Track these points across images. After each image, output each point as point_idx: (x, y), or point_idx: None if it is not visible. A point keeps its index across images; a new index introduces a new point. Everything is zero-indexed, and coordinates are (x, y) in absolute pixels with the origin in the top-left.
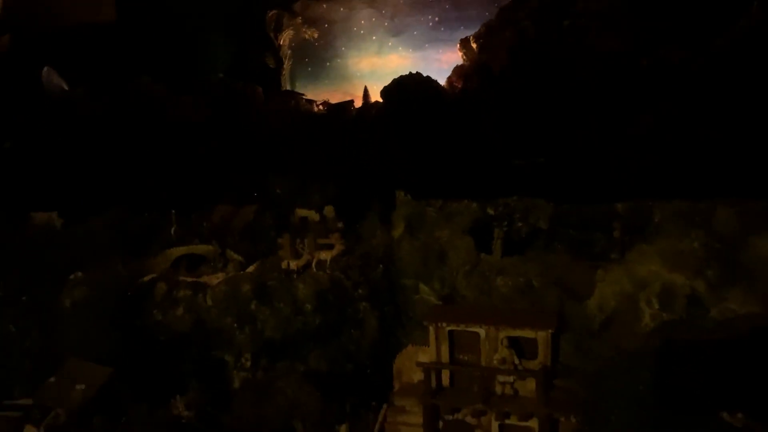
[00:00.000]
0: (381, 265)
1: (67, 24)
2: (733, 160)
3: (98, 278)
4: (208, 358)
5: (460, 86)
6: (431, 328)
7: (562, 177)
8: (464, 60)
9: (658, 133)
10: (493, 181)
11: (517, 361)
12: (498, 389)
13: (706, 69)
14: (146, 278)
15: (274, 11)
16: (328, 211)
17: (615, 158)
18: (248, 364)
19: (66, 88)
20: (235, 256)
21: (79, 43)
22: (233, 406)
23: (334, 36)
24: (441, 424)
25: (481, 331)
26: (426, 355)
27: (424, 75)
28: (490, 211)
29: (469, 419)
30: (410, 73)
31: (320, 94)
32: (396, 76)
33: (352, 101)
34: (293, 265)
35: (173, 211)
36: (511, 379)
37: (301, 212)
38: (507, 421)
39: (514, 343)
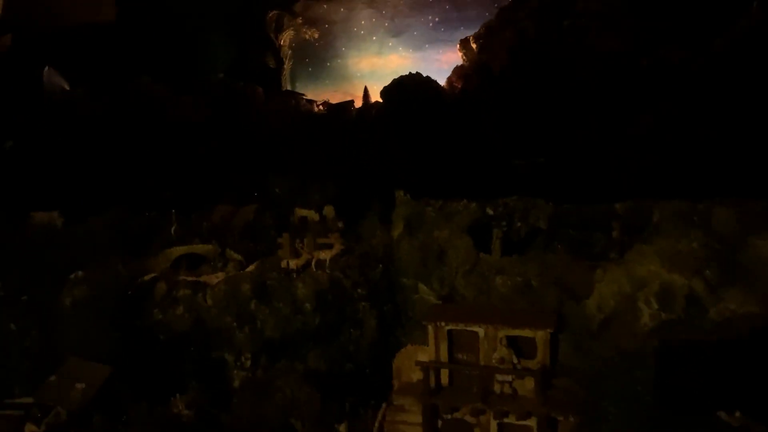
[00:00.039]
0: (380, 265)
1: (68, 24)
2: (733, 160)
3: (98, 278)
4: (207, 357)
5: (460, 86)
6: (430, 328)
7: (562, 177)
8: (464, 60)
9: (658, 133)
10: (493, 181)
11: (515, 361)
12: (497, 388)
13: (706, 69)
14: (146, 278)
15: (274, 12)
16: (328, 210)
17: (615, 158)
18: (248, 363)
19: (67, 88)
20: (235, 255)
21: (80, 43)
22: (233, 406)
23: (334, 36)
24: (440, 423)
25: (480, 331)
26: (425, 355)
27: (424, 75)
28: (490, 211)
29: (468, 418)
30: (410, 73)
31: (320, 94)
32: (396, 77)
33: (352, 101)
34: (293, 264)
35: (173, 211)
36: (509, 378)
37: (301, 212)
38: (505, 420)
39: (513, 342)
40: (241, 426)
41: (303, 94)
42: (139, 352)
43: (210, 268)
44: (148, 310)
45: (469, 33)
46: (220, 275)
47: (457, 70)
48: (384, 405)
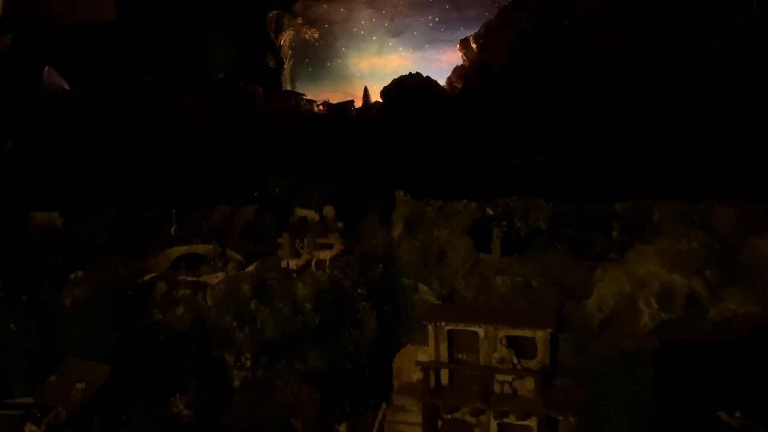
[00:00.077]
0: (380, 265)
1: (68, 24)
2: (733, 161)
3: (98, 278)
4: (207, 357)
5: (460, 86)
6: (430, 328)
7: (562, 177)
8: (464, 60)
9: (658, 133)
10: (493, 181)
11: (515, 361)
12: (497, 388)
13: (706, 69)
14: (146, 278)
15: (274, 12)
16: (328, 210)
17: (615, 158)
18: (248, 363)
19: (67, 88)
20: (235, 255)
21: (80, 43)
22: (233, 406)
23: (334, 36)
24: (440, 423)
25: (480, 331)
26: (425, 355)
27: (425, 75)
28: (490, 211)
29: (468, 418)
30: (410, 73)
31: (320, 94)
32: (396, 77)
33: (352, 101)
34: (293, 264)
35: (173, 211)
36: (509, 378)
37: (301, 212)
38: (505, 420)
39: (513, 342)
40: (241, 426)
41: (303, 94)
42: (139, 352)
43: (210, 268)
44: (148, 310)
45: (469, 33)
46: (220, 275)
47: (457, 70)
48: (384, 405)
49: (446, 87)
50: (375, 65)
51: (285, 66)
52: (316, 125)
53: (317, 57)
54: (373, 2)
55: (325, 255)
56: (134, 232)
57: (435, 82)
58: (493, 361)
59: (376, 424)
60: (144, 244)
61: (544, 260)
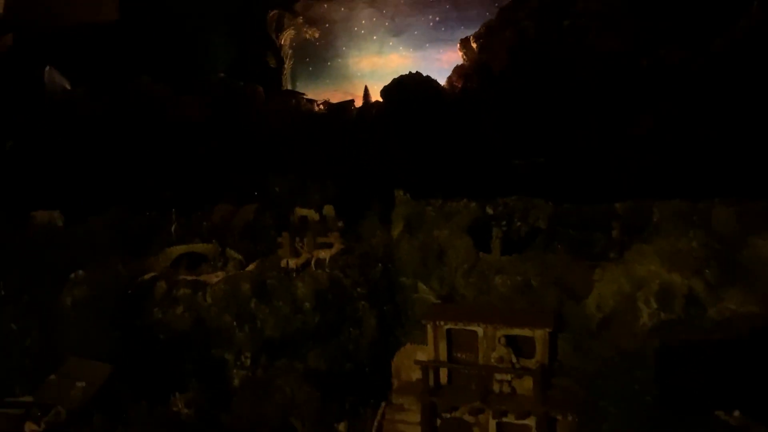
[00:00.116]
0: (380, 264)
1: (69, 24)
2: (733, 161)
3: (98, 277)
4: (207, 356)
5: (460, 86)
6: (429, 327)
7: (562, 177)
8: (464, 60)
9: (658, 133)
10: (493, 181)
11: (514, 360)
12: (496, 387)
13: (706, 69)
14: (146, 277)
15: (275, 11)
16: (328, 210)
17: (615, 158)
18: (248, 362)
19: (68, 87)
20: (235, 254)
21: (81, 43)
22: (233, 405)
23: (334, 36)
24: (439, 422)
25: (479, 330)
26: (424, 354)
27: (425, 75)
28: (490, 211)
29: (467, 417)
30: (410, 72)
31: (321, 93)
32: (397, 76)
33: (352, 101)
34: (292, 264)
35: (173, 210)
36: (508, 377)
37: (301, 211)
38: (504, 420)
39: (512, 341)
40: (240, 425)
41: (303, 94)
42: (139, 352)
43: (210, 267)
44: (148, 309)
45: (470, 32)
46: (220, 274)
47: (458, 70)
48: (383, 404)
49: (446, 86)
50: (375, 65)
51: (285, 65)
52: (316, 125)
53: (318, 56)
54: (373, 2)
55: (325, 254)
56: (134, 231)
57: (435, 81)
58: (492, 360)
59: (376, 423)
60: (144, 244)
61: (543, 260)
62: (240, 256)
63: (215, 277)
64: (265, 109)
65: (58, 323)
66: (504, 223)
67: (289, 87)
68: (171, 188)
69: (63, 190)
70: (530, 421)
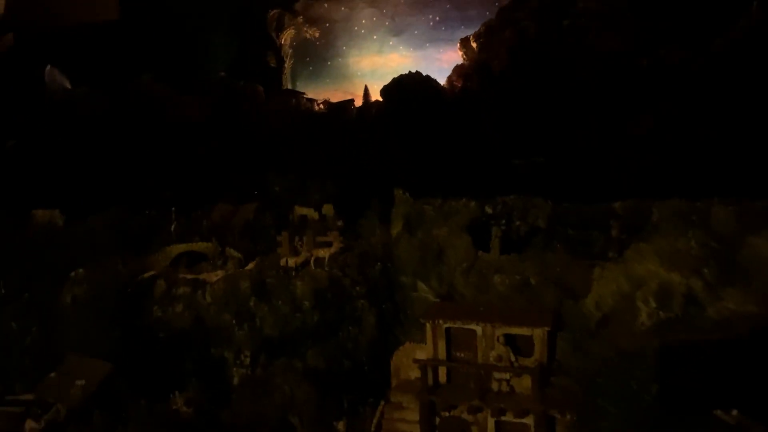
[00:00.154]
0: (379, 263)
1: (70, 23)
2: (732, 160)
3: (98, 276)
4: (207, 354)
5: (460, 85)
6: (428, 326)
7: (561, 176)
8: (464, 59)
9: (658, 133)
10: (492, 180)
11: (513, 359)
12: (494, 386)
13: (706, 69)
14: (146, 275)
15: (275, 11)
16: (327, 209)
17: (615, 158)
18: (247, 361)
19: (68, 87)
20: (235, 253)
21: (82, 43)
22: (232, 403)
23: (335, 35)
24: (437, 420)
25: (478, 329)
26: (423, 353)
27: (425, 74)
28: (489, 210)
29: (466, 416)
30: (410, 72)
31: (321, 93)
32: (397, 76)
33: (352, 100)
34: (292, 262)
35: (173, 209)
36: (507, 376)
37: (301, 210)
38: (503, 418)
39: (511, 340)
40: (240, 423)
41: (303, 93)
42: (139, 350)
43: (210, 266)
44: (147, 307)
45: (470, 32)
46: (220, 273)
47: (458, 69)
48: (382, 402)
49: (446, 86)
50: (376, 64)
51: (286, 65)
52: (316, 124)
53: (318, 56)
54: (374, 1)
55: (324, 253)
56: (134, 230)
57: (435, 81)
58: (491, 359)
59: (375, 422)
60: (144, 243)
61: (542, 259)
62: (240, 255)
63: (215, 276)
64: (266, 108)
65: (58, 322)
66: (503, 222)
67: (290, 86)
68: (171, 187)
69: (63, 189)
70: (529, 420)
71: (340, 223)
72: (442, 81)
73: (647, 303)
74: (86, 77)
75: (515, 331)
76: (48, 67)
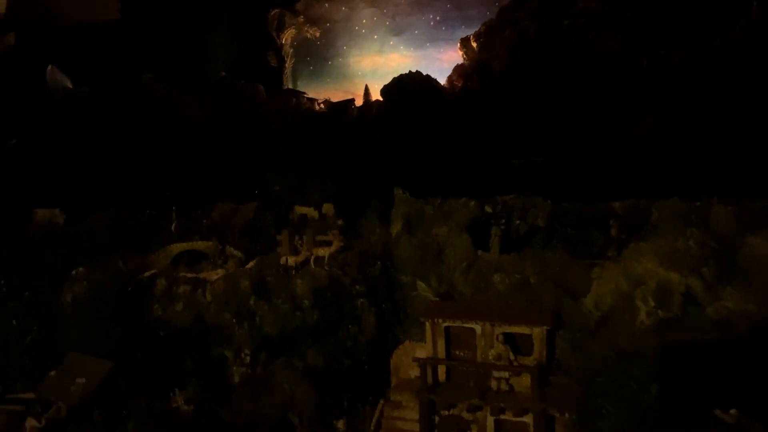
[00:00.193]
0: (379, 262)
1: (71, 23)
2: (732, 160)
3: (99, 275)
4: (207, 353)
5: (460, 85)
6: (428, 324)
7: (561, 176)
8: (465, 59)
9: (658, 133)
10: (492, 180)
11: (512, 357)
12: (493, 385)
13: (706, 69)
14: (146, 274)
15: (276, 10)
16: (327, 208)
17: (614, 158)
18: (247, 359)
19: (69, 86)
20: (235, 252)
21: (83, 42)
22: (232, 402)
23: (335, 35)
24: (437, 419)
25: (477, 328)
26: (423, 351)
27: (426, 74)
28: (489, 209)
29: (465, 414)
30: (410, 71)
31: (321, 92)
32: (397, 75)
33: (352, 100)
34: (292, 261)
35: (174, 208)
36: (506, 375)
37: (301, 210)
38: (502, 417)
39: (510, 339)
40: (240, 422)
41: (304, 93)
42: (139, 348)
43: (210, 264)
44: (148, 306)
45: (470, 32)
46: (220, 272)
47: (458, 69)
48: (382, 401)
49: (446, 86)
50: (376, 64)
51: (286, 64)
52: (316, 123)
53: (318, 55)
54: (374, 1)
55: (324, 252)
56: (135, 229)
57: (435, 80)
58: (490, 357)
59: (374, 421)
60: (144, 242)
61: (542, 258)
62: (240, 254)
63: (215, 275)
64: (266, 108)
65: (59, 320)
66: (503, 221)
67: (290, 86)
68: (171, 187)
69: (64, 189)
70: (528, 419)
71: (340, 222)
72: (442, 81)
73: (646, 302)
74: (87, 77)
75: (514, 329)
76: (49, 66)
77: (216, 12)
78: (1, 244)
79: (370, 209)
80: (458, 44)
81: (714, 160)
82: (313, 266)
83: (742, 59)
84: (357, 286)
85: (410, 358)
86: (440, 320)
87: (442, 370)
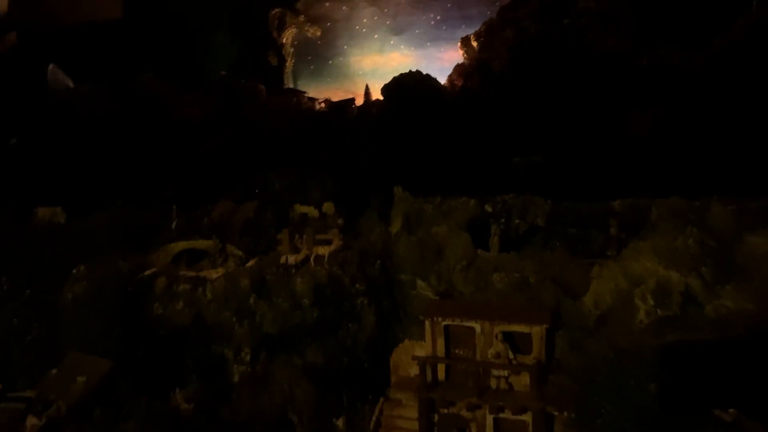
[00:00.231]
0: (379, 261)
1: (73, 22)
2: (731, 160)
3: (100, 273)
4: (207, 351)
5: (460, 84)
6: (427, 323)
7: (561, 175)
8: (465, 58)
9: (658, 133)
10: (492, 179)
11: (511, 356)
12: (492, 383)
13: (706, 69)
14: (147, 273)
15: (277, 10)
16: (328, 207)
17: (615, 157)
18: (247, 357)
19: (71, 85)
20: (236, 251)
21: (84, 42)
22: (232, 400)
23: (336, 34)
24: (436, 417)
25: (477, 326)
26: (422, 350)
27: (426, 73)
28: (488, 208)
29: (464, 413)
30: (410, 71)
31: (322, 91)
32: (398, 74)
33: (353, 99)
34: (291, 260)
35: (174, 207)
36: (505, 373)
37: (301, 209)
38: (501, 415)
39: (509, 338)
40: (240, 420)
41: (305, 92)
42: (140, 347)
43: (210, 263)
44: (148, 305)
45: (471, 31)
46: (220, 270)
47: (458, 68)
48: (381, 399)
49: (447, 85)
50: (377, 63)
51: (287, 64)
52: (317, 123)
53: (319, 55)
54: (375, 0)
55: (324, 251)
56: (136, 228)
57: (435, 79)
58: (490, 356)
59: (374, 419)
60: (145, 240)
61: (541, 257)
62: (240, 253)
63: (215, 274)
64: (267, 107)
65: (60, 319)
66: (502, 220)
67: (291, 85)
68: (172, 185)
69: (65, 187)
70: (527, 417)
71: (340, 221)
72: (442, 80)
73: (645, 301)
74: (88, 76)
75: (514, 328)
76: (51, 65)
77: (217, 11)
78: (2, 242)
79: (370, 208)
80: (459, 43)
81: (713, 159)
82: (313, 265)
83: (742, 59)
84: (357, 285)
85: (410, 356)
86: (440, 319)
87: (441, 369)
